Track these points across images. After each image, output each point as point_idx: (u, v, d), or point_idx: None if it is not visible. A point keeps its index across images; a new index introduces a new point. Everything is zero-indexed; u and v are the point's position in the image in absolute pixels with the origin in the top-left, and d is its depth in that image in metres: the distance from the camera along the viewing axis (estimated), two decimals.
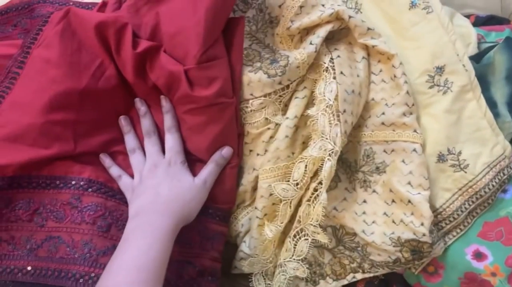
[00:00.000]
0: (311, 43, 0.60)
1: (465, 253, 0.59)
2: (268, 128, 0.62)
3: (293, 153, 0.61)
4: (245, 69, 0.61)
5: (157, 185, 0.57)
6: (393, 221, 0.58)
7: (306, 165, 0.58)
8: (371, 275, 0.62)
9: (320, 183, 0.59)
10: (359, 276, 0.62)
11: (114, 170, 0.59)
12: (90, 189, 0.56)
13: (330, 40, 0.65)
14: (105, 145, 0.59)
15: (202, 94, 0.57)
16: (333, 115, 0.58)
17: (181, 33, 0.57)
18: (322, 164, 0.57)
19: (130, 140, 0.61)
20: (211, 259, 0.60)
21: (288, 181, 0.59)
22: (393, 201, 0.59)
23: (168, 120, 0.60)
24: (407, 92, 0.59)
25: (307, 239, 0.60)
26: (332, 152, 0.57)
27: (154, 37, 0.58)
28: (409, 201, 0.56)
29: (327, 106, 0.58)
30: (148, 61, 0.58)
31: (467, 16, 0.74)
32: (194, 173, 0.60)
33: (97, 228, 0.55)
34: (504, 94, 0.61)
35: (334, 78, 0.59)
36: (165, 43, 0.58)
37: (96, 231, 0.55)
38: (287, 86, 0.61)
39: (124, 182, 0.59)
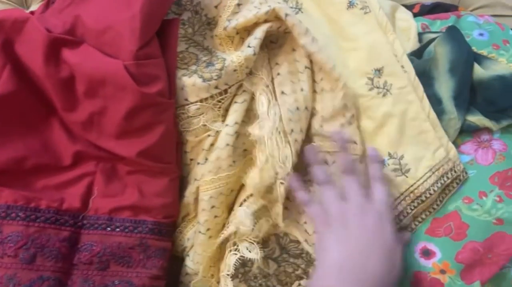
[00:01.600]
0: (249, 46, 0.55)
1: (413, 251, 0.55)
2: (208, 135, 0.56)
3: (234, 162, 0.55)
4: (179, 73, 0.54)
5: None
6: None
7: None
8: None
9: (269, 201, 0.55)
10: (304, 282, 0.58)
11: (302, 195, 0.52)
12: (8, 217, 0.49)
13: (274, 45, 0.60)
14: (17, 163, 0.51)
15: (146, 90, 0.50)
16: (281, 137, 0.54)
17: (112, 29, 0.51)
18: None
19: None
20: (152, 278, 0.53)
21: (227, 192, 0.56)
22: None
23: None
24: (345, 105, 0.55)
25: (235, 254, 0.56)
26: (286, 176, 0.53)
27: (74, 35, 0.51)
28: None
29: (273, 129, 0.54)
30: (64, 52, 0.50)
31: (413, 6, 0.71)
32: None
33: (20, 261, 0.48)
34: (450, 88, 0.57)
35: (276, 99, 0.56)
36: (91, 40, 0.51)
37: (20, 264, 0.48)
38: (225, 91, 0.55)
39: (316, 211, 0.51)
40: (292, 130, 0.55)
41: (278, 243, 0.59)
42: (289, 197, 0.59)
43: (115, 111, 0.51)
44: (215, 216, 0.55)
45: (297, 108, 0.56)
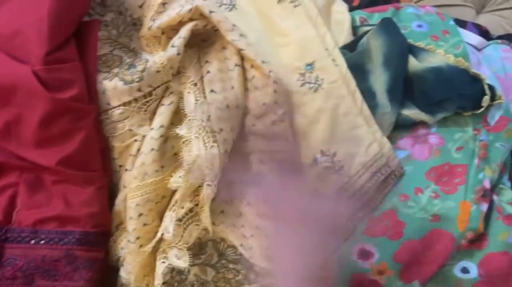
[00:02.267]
0: (172, 46, 0.52)
1: (351, 253, 0.53)
2: (135, 140, 0.53)
3: (162, 167, 0.52)
4: (100, 77, 0.52)
5: None
6: (266, 235, 0.51)
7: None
8: (258, 285, 0.54)
9: (197, 204, 0.52)
10: None
11: None
12: None
13: (205, 44, 0.57)
14: None
15: (58, 96, 0.48)
16: (208, 136, 0.52)
17: (21, 33, 0.48)
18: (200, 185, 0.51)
19: None
20: None
21: (157, 199, 0.53)
22: (264, 215, 0.52)
23: None
24: (275, 102, 0.52)
25: (164, 262, 0.53)
26: (214, 177, 0.50)
27: None
28: None
29: (199, 128, 0.51)
30: None
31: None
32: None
33: None
34: (384, 81, 0.55)
35: (205, 97, 0.53)
36: (1, 46, 0.49)
37: None
38: (150, 93, 0.52)
39: None
40: (221, 129, 0.52)
41: (215, 249, 0.57)
42: (226, 200, 0.57)
43: (29, 118, 0.48)
44: (144, 224, 0.52)
45: (227, 107, 0.53)
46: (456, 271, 0.52)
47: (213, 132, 0.52)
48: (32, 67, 0.47)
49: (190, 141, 0.52)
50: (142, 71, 0.51)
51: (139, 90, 0.51)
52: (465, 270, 0.52)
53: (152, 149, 0.51)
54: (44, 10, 0.47)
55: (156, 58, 0.52)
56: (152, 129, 0.52)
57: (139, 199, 0.51)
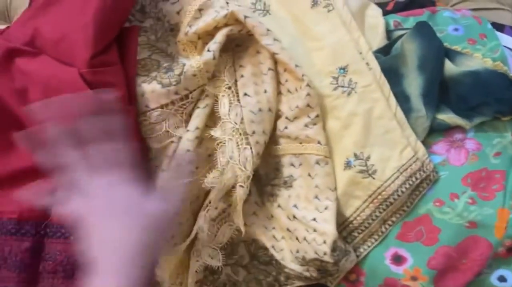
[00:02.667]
0: (208, 50, 0.53)
1: (384, 257, 0.52)
2: (172, 142, 0.54)
3: (197, 168, 0.54)
4: (139, 80, 0.53)
5: None
6: (297, 238, 0.51)
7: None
8: None
9: (230, 205, 0.54)
10: None
11: None
12: None
13: (239, 48, 0.58)
14: None
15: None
16: (241, 138, 0.52)
17: (67, 38, 0.50)
18: (233, 186, 0.52)
19: None
20: None
21: (191, 199, 0.54)
22: (294, 217, 0.52)
23: None
24: (308, 105, 0.52)
25: (197, 261, 0.54)
26: (246, 179, 0.51)
27: (33, 46, 0.51)
28: (313, 219, 0.50)
29: (233, 130, 0.52)
30: (19, 62, 0.49)
31: (387, 3, 0.67)
32: None
33: None
34: (418, 85, 0.54)
35: (238, 101, 0.54)
36: (49, 50, 0.51)
37: None
38: (186, 96, 0.53)
39: None
40: (253, 132, 0.53)
41: (247, 250, 0.57)
42: (257, 202, 0.57)
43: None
44: (180, 223, 0.54)
45: (260, 110, 0.54)
46: (493, 279, 0.50)
47: (245, 135, 0.53)
48: (78, 70, 0.49)
49: (224, 143, 0.53)
50: (180, 74, 0.53)
51: (176, 93, 0.53)
52: (502, 279, 0.50)
53: (188, 150, 0.52)
54: (89, 16, 0.49)
55: (193, 62, 0.53)
56: (188, 130, 0.53)
57: None
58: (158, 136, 0.54)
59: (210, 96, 0.55)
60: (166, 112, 0.53)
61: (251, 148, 0.52)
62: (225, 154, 0.52)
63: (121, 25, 0.54)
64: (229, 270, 0.56)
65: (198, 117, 0.54)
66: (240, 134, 0.53)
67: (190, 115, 0.55)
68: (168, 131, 0.54)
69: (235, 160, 0.52)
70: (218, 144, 0.54)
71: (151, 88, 0.52)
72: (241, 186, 0.52)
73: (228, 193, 0.54)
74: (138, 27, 0.55)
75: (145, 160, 0.56)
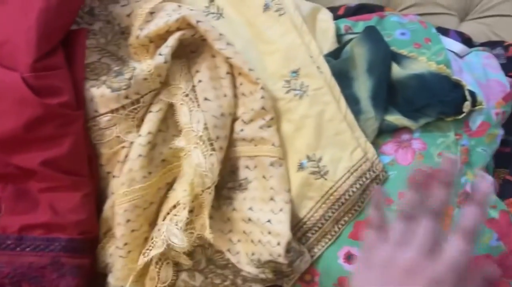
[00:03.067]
0: (160, 54, 0.52)
1: (337, 257, 0.53)
2: (123, 147, 0.53)
3: (150, 173, 0.52)
4: (88, 84, 0.52)
5: None
6: (252, 241, 0.51)
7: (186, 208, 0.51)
8: None
9: (192, 211, 0.52)
10: None
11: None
12: None
13: (194, 54, 0.57)
14: None
15: (47, 102, 0.48)
16: (206, 145, 0.52)
17: (9, 42, 0.49)
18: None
19: None
20: None
21: (145, 205, 0.53)
22: (249, 219, 0.52)
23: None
24: (263, 107, 0.52)
25: (168, 263, 0.54)
26: (212, 184, 0.51)
27: None
28: (268, 221, 0.50)
29: (198, 138, 0.52)
30: None
31: (338, 8, 0.69)
32: None
33: None
34: (367, 88, 0.55)
35: (198, 106, 0.54)
36: None
37: None
38: (137, 101, 0.52)
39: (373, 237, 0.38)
40: (217, 137, 0.53)
41: (204, 255, 0.57)
42: (213, 206, 0.57)
43: (16, 123, 0.48)
44: (132, 230, 0.52)
45: (222, 114, 0.54)
46: None
47: (210, 140, 0.53)
48: (21, 74, 0.47)
49: (189, 153, 0.52)
50: (130, 78, 0.51)
51: (126, 97, 0.52)
52: None
53: (140, 155, 0.52)
54: (32, 20, 0.47)
55: (144, 65, 0.52)
56: (140, 135, 0.52)
57: (127, 205, 0.52)
58: (109, 142, 0.53)
59: (164, 101, 0.55)
60: (116, 117, 0.52)
61: (216, 154, 0.52)
62: (192, 164, 0.52)
63: (68, 27, 0.52)
64: (185, 276, 0.56)
65: (150, 121, 0.53)
66: (205, 141, 0.53)
67: (142, 120, 0.54)
68: (119, 137, 0.53)
69: (202, 167, 0.51)
70: (180, 153, 0.54)
71: (101, 93, 0.51)
72: (208, 192, 0.51)
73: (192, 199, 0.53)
74: (86, 30, 0.54)
75: (96, 167, 0.55)
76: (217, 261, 0.56)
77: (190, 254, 0.56)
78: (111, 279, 0.55)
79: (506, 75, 0.62)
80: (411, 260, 0.35)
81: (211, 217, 0.55)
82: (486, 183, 0.37)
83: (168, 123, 0.55)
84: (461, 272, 0.34)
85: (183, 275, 0.56)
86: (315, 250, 0.53)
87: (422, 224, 0.37)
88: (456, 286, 0.34)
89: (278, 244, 0.49)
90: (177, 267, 0.56)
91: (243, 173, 0.55)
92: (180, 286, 0.56)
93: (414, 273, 0.35)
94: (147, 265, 0.55)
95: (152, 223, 0.55)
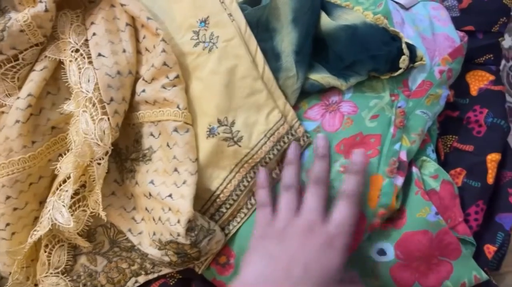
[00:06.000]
0: (40, 1, 0.44)
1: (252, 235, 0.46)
2: (2, 112, 0.46)
3: (34, 142, 0.45)
4: None
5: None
6: (153, 219, 0.44)
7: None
8: (155, 275, 0.49)
9: (84, 186, 0.46)
10: (141, 279, 0.49)
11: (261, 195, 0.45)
12: None
13: (92, 4, 0.49)
14: None
15: None
16: (96, 108, 0.44)
17: None
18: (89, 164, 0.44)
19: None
20: None
21: (31, 179, 0.46)
22: (150, 194, 0.45)
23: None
24: (165, 63, 0.45)
25: (63, 245, 0.48)
26: (104, 155, 0.44)
27: None
28: (169, 195, 0.43)
29: (87, 100, 0.44)
30: None
31: None
32: None
33: None
34: (291, 41, 0.47)
35: (90, 63, 0.45)
36: None
37: None
38: (15, 57, 0.44)
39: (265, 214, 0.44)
40: (111, 99, 0.45)
41: (106, 236, 0.50)
42: (117, 180, 0.50)
43: None
44: (15, 209, 0.45)
45: (118, 73, 0.46)
46: (373, 253, 0.46)
47: (101, 103, 0.45)
48: None
49: (77, 118, 0.45)
50: (2, 30, 0.43)
51: (0, 52, 0.44)
52: (381, 252, 0.46)
53: (17, 121, 0.44)
54: None
55: (20, 15, 0.43)
56: (18, 98, 0.44)
57: (5, 179, 0.44)
58: None
59: (51, 58, 0.47)
60: None
61: (108, 118, 0.45)
62: (79, 131, 0.44)
63: None
64: (85, 260, 0.49)
65: (31, 82, 0.45)
66: (94, 103, 0.45)
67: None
68: None
69: (90, 135, 0.44)
70: (74, 120, 0.46)
71: None
72: (98, 163, 0.45)
73: (82, 171, 0.46)
74: None
75: None
76: (121, 243, 0.50)
77: (90, 235, 0.49)
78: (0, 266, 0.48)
79: (458, 29, 0.55)
80: (306, 221, 0.42)
81: (113, 193, 0.49)
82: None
83: (59, 84, 0.47)
84: (349, 230, 0.42)
85: (82, 259, 0.49)
86: (230, 227, 0.46)
87: (309, 193, 0.43)
88: (346, 241, 0.41)
89: (178, 221, 0.42)
90: (75, 251, 0.49)
91: (147, 142, 0.47)
92: (79, 272, 0.49)
93: (311, 232, 0.41)
94: (38, 248, 0.49)
95: (44, 201, 0.48)
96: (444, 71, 0.49)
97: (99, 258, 0.49)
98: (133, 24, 0.48)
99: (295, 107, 0.48)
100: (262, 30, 0.47)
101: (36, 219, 0.48)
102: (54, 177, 0.48)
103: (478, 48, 0.56)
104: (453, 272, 0.45)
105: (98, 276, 0.49)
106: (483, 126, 0.53)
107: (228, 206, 0.46)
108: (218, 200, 0.46)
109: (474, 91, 0.55)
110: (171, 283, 0.50)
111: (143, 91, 0.47)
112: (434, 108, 0.49)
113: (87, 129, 0.44)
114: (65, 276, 0.47)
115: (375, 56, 0.45)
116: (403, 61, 0.46)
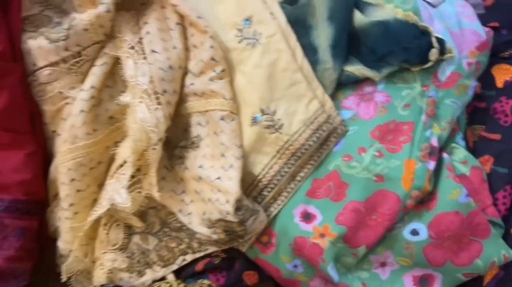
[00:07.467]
0: (102, 3, 0.49)
1: (293, 216, 0.49)
2: (67, 103, 0.50)
3: (95, 130, 0.49)
4: (25, 36, 0.48)
5: None
6: (203, 200, 0.48)
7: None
8: (202, 254, 0.52)
9: (139, 170, 0.50)
10: (189, 257, 0.52)
11: None
12: None
13: (143, 6, 0.53)
14: None
15: None
16: (151, 99, 0.48)
17: None
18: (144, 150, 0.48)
19: None
20: (9, 259, 0.48)
21: (92, 164, 0.50)
22: (200, 178, 0.49)
23: None
24: (213, 58, 0.49)
25: (119, 225, 0.52)
26: (158, 141, 0.48)
27: None
28: (218, 178, 0.47)
29: (143, 92, 0.48)
30: None
31: None
32: None
33: None
34: (328, 36, 0.51)
35: (145, 58, 0.49)
36: None
37: None
38: (79, 53, 0.49)
39: None
40: (164, 91, 0.49)
41: (157, 217, 0.54)
42: (166, 166, 0.54)
43: None
44: (78, 190, 0.49)
45: (170, 67, 0.50)
46: (406, 233, 0.49)
47: (156, 94, 0.49)
48: None
49: (134, 109, 0.49)
50: (68, 28, 0.48)
51: (66, 49, 0.48)
52: (414, 232, 0.48)
53: (82, 111, 0.48)
54: None
55: (84, 15, 0.48)
56: (82, 90, 0.49)
57: (71, 163, 0.48)
58: (51, 98, 0.50)
59: (110, 54, 0.51)
60: (57, 70, 0.49)
61: (162, 108, 0.49)
62: (137, 119, 0.48)
63: None
64: (138, 239, 0.53)
65: (93, 75, 0.49)
66: (150, 94, 0.49)
67: (87, 75, 0.51)
68: (61, 92, 0.50)
69: (147, 122, 0.48)
70: (129, 110, 0.50)
71: (38, 44, 0.48)
72: (154, 149, 0.48)
73: (138, 157, 0.50)
74: None
75: (40, 124, 0.52)
76: (171, 224, 0.53)
77: (142, 216, 0.53)
78: (60, 243, 0.52)
79: (483, 25, 0.57)
80: None
81: (163, 178, 0.53)
82: None
83: (116, 78, 0.52)
84: None
85: (136, 238, 0.53)
86: (271, 209, 0.50)
87: None
88: None
89: (227, 201, 0.46)
90: (130, 230, 0.53)
91: (195, 130, 0.51)
92: (132, 250, 0.53)
93: None
94: (96, 228, 0.53)
95: (102, 184, 0.52)
96: (472, 63, 0.52)
97: (151, 238, 0.53)
98: (183, 23, 0.53)
99: (331, 97, 0.51)
100: (300, 26, 0.50)
101: (95, 200, 0.52)
102: (110, 163, 0.52)
103: (503, 43, 0.58)
104: (483, 251, 0.48)
105: (150, 254, 0.53)
106: (509, 116, 0.55)
107: (269, 189, 0.50)
108: (260, 184, 0.50)
109: (500, 83, 0.58)
110: (216, 262, 0.54)
111: (192, 84, 0.51)
112: (463, 98, 0.51)
113: (144, 117, 0.48)
114: (122, 253, 0.51)
115: (407, 48, 0.48)
116: (433, 54, 0.49)
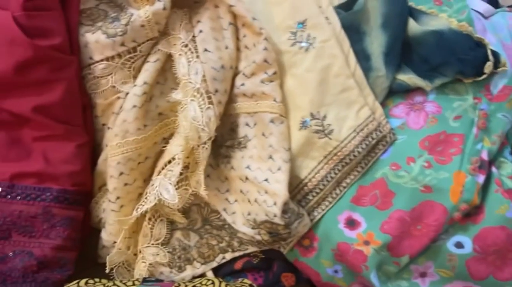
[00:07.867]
0: (159, 0, 0.49)
1: (337, 221, 0.49)
2: (118, 98, 0.50)
3: (145, 126, 0.50)
4: (83, 29, 0.49)
5: None
6: (249, 201, 0.48)
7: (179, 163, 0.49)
8: (241, 253, 0.53)
9: (187, 167, 0.50)
10: (228, 255, 0.53)
11: None
12: None
13: (196, 4, 0.53)
14: None
15: (38, 43, 0.45)
16: (203, 98, 0.49)
17: None
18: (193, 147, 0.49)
19: None
20: (56, 248, 0.49)
21: (140, 159, 0.51)
22: (246, 178, 0.49)
23: None
24: (266, 60, 0.49)
25: (162, 220, 0.53)
26: (208, 139, 0.48)
27: None
28: (265, 179, 0.47)
29: (195, 91, 0.49)
30: None
31: None
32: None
33: None
34: (381, 43, 0.51)
35: (198, 57, 0.50)
36: None
37: None
38: (134, 49, 0.49)
39: None
40: (216, 90, 0.49)
41: (200, 214, 0.54)
42: (211, 164, 0.54)
43: (7, 65, 0.46)
44: (125, 184, 0.50)
45: (222, 67, 0.50)
46: (450, 245, 0.48)
47: (208, 93, 0.49)
48: (12, 13, 0.45)
49: (186, 107, 0.49)
50: (126, 24, 0.48)
51: (122, 44, 0.49)
52: (459, 245, 0.48)
53: (134, 106, 0.49)
54: None
55: (141, 12, 0.49)
56: (135, 85, 0.49)
57: (120, 157, 0.49)
58: (104, 92, 0.51)
59: (162, 51, 0.52)
60: (112, 65, 0.50)
61: (214, 108, 0.49)
62: (188, 118, 0.49)
63: None
64: (180, 235, 0.53)
65: (147, 71, 0.50)
66: (202, 93, 0.49)
67: (139, 71, 0.51)
68: (114, 87, 0.50)
69: (198, 121, 0.48)
70: (176, 106, 0.51)
71: (95, 38, 0.48)
72: (203, 147, 0.49)
73: (187, 155, 0.51)
74: None
75: (90, 117, 0.52)
76: (213, 222, 0.54)
77: (185, 212, 0.54)
78: (103, 234, 0.53)
79: None
80: None
81: (208, 176, 0.53)
82: None
83: (167, 75, 0.52)
84: None
85: (178, 234, 0.54)
86: (315, 213, 0.50)
87: None
88: None
89: (275, 203, 0.46)
90: (172, 226, 0.54)
91: (242, 131, 0.51)
92: (174, 245, 0.53)
93: None
94: (140, 222, 0.53)
95: (148, 179, 0.53)
96: None
97: (192, 234, 0.54)
98: (235, 23, 0.53)
99: (381, 105, 0.51)
100: (354, 32, 0.50)
101: (140, 195, 0.52)
102: (157, 158, 0.53)
103: None
104: None
105: (191, 250, 0.53)
106: None
107: (314, 194, 0.50)
108: (305, 188, 0.50)
109: None
110: (255, 262, 0.54)
111: (243, 84, 0.51)
112: None
113: (195, 116, 0.48)
114: (164, 247, 0.52)
115: (462, 59, 0.48)
116: (488, 67, 0.48)
